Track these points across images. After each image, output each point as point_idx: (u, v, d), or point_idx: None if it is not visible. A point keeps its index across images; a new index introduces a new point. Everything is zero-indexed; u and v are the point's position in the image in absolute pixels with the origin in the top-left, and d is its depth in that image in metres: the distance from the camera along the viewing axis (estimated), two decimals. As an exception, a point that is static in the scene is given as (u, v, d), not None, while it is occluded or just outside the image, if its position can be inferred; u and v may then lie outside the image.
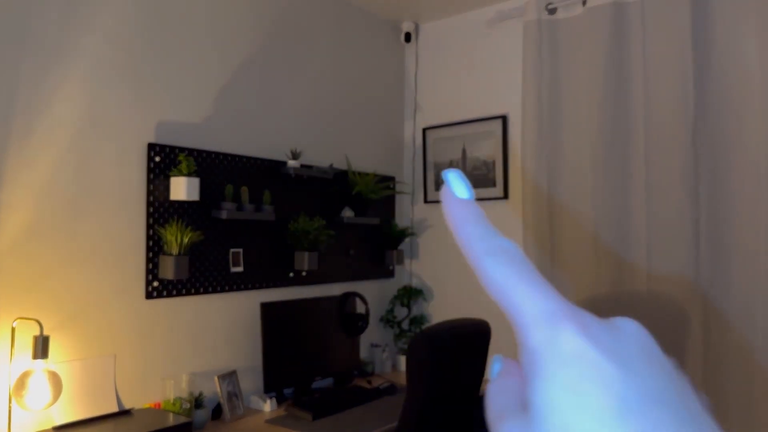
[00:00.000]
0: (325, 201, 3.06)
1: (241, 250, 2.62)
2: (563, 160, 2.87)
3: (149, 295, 2.28)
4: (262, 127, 2.76)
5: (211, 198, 2.50)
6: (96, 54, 2.16)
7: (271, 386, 2.56)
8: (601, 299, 2.74)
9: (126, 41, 2.25)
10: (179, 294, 2.38)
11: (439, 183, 3.43)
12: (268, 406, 2.52)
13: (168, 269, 2.25)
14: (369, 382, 2.99)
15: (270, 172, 2.77)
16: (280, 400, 2.61)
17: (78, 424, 1.97)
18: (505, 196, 3.16)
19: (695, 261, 2.51)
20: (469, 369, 2.30)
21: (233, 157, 2.60)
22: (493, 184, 3.19)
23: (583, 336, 0.24)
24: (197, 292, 2.45)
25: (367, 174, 3.23)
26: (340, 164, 3.16)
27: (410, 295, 3.42)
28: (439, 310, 3.42)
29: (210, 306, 2.51)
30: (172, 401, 2.21)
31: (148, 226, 2.29)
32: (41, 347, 1.82)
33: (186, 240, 2.28)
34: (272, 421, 2.37)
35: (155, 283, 2.30)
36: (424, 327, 3.10)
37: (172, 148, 2.37)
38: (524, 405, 0.24)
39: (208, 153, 2.50)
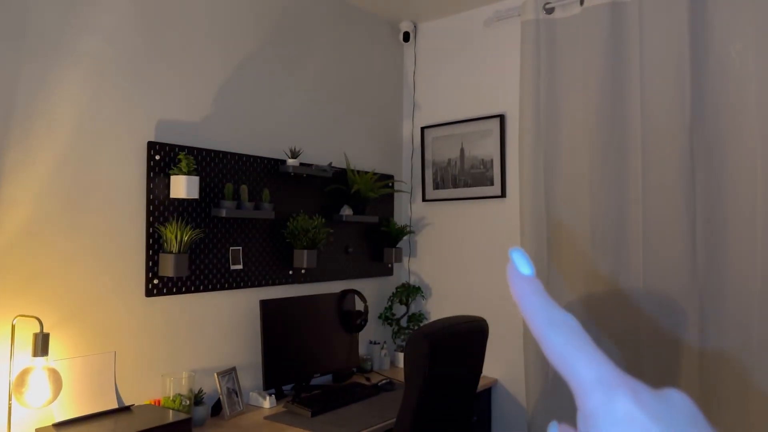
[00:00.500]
0: (324, 199, 3.07)
1: (240, 248, 2.64)
2: (560, 158, 2.89)
3: (149, 293, 2.30)
4: (261, 126, 2.78)
5: (210, 196, 2.52)
6: (96, 53, 2.17)
7: (271, 383, 2.58)
8: (598, 297, 2.76)
9: (126, 40, 2.26)
10: (179, 291, 2.40)
11: (437, 181, 3.44)
12: (267, 403, 2.53)
13: (168, 267, 2.26)
14: (368, 379, 3.00)
15: (269, 171, 2.78)
16: (280, 397, 2.63)
17: (78, 421, 1.98)
18: (503, 194, 3.17)
19: (692, 259, 2.53)
20: (467, 366, 2.32)
21: (233, 155, 2.62)
22: (491, 183, 3.20)
23: (634, 401, 0.27)
24: (197, 290, 2.46)
25: (365, 172, 3.24)
26: (339, 163, 3.18)
27: (408, 292, 3.43)
28: (437, 308, 3.44)
29: (210, 303, 2.53)
30: (171, 398, 2.22)
31: (148, 224, 2.30)
32: (41, 344, 1.83)
33: (186, 238, 2.29)
34: (271, 418, 2.38)
35: (155, 281, 2.32)
36: (422, 324, 3.12)
37: (172, 147, 2.38)
38: None
39: (208, 151, 2.52)
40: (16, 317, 1.88)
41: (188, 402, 2.23)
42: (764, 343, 2.36)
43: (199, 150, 2.48)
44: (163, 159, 2.35)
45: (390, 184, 3.49)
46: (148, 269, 2.29)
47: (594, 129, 2.77)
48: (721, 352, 2.47)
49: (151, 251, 2.30)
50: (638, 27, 2.67)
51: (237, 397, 2.46)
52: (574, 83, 2.85)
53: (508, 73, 3.15)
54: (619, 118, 2.73)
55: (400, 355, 3.33)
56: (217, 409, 2.42)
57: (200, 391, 2.37)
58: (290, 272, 2.88)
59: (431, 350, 2.04)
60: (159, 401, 2.24)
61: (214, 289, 2.52)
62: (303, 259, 2.79)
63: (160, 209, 2.34)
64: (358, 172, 3.21)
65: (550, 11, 2.92)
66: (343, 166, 3.19)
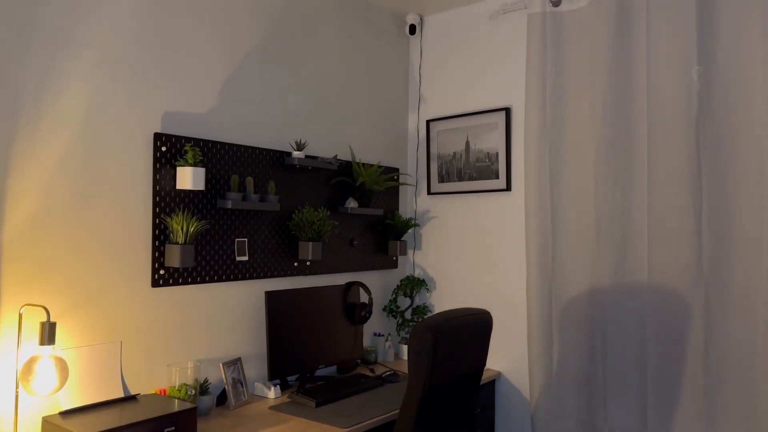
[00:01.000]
0: (329, 192, 3.08)
1: (246, 239, 2.65)
2: (566, 152, 2.88)
3: (155, 283, 2.31)
4: (267, 118, 2.78)
5: (216, 188, 2.53)
6: (103, 44, 2.17)
7: (276, 374, 2.59)
8: (604, 290, 2.76)
9: (133, 31, 2.27)
10: (185, 282, 2.41)
11: (442, 174, 3.44)
12: (272, 393, 2.55)
13: (174, 258, 2.28)
14: (372, 371, 3.02)
15: (275, 163, 2.79)
16: (284, 388, 2.65)
17: (84, 409, 1.99)
18: (508, 188, 3.17)
19: (697, 253, 2.52)
20: (471, 358, 2.32)
21: (238, 147, 2.62)
22: (497, 176, 3.20)
23: None
24: (203, 281, 2.47)
25: (371, 165, 3.24)
26: (345, 155, 3.18)
27: (413, 285, 3.44)
28: (442, 301, 3.45)
29: (215, 294, 2.54)
30: (177, 387, 2.23)
31: (155, 215, 2.31)
32: (48, 333, 1.85)
33: (192, 229, 2.30)
34: (276, 408, 2.40)
35: (161, 272, 2.33)
36: (426, 316, 3.13)
37: (178, 138, 2.39)
38: None
39: (214, 143, 2.52)
40: (23, 306, 1.90)
41: (194, 392, 2.25)
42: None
43: (205, 141, 2.49)
44: (169, 150, 2.35)
45: (395, 177, 3.49)
46: (155, 260, 2.31)
47: (600, 122, 2.76)
48: (726, 346, 2.46)
49: (157, 242, 2.31)
50: (645, 19, 2.65)
51: (242, 387, 2.48)
52: (581, 76, 2.84)
53: (515, 66, 3.14)
54: (625, 111, 2.72)
55: (404, 348, 3.34)
56: (222, 399, 2.44)
57: (206, 381, 2.38)
58: (295, 264, 2.89)
59: (435, 342, 2.05)
60: (164, 391, 2.26)
61: (219, 280, 2.54)
62: (308, 251, 2.80)
63: (166, 200, 2.35)
64: (364, 164, 3.21)
65: (556, 4, 2.91)
66: (349, 158, 3.20)
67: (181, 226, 2.29)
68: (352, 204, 3.13)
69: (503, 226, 3.20)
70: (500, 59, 3.23)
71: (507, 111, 3.17)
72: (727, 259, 2.48)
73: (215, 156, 2.53)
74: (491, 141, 3.23)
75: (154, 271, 2.31)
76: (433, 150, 3.49)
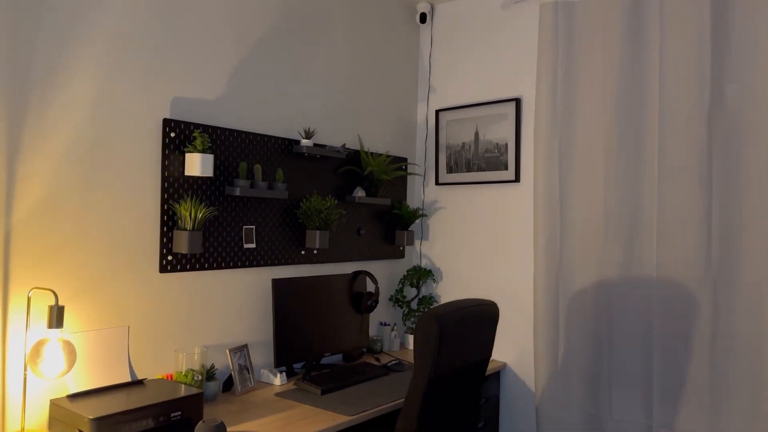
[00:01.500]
0: (337, 180, 3.07)
1: (253, 227, 2.65)
2: (576, 143, 2.86)
3: (163, 269, 2.32)
4: (275, 106, 2.77)
5: (225, 175, 2.53)
6: (113, 29, 2.17)
7: (282, 361, 2.60)
8: (611, 283, 2.75)
9: (143, 17, 2.26)
10: (193, 268, 2.42)
11: (450, 165, 3.43)
12: (278, 380, 2.56)
13: (182, 244, 2.28)
14: (377, 360, 3.02)
15: (283, 151, 2.78)
16: (290, 375, 2.66)
17: (91, 393, 2.01)
18: (517, 179, 3.16)
19: (706, 248, 2.51)
20: (477, 349, 2.32)
21: (247, 134, 2.62)
22: (505, 167, 3.19)
23: None
24: (210, 267, 2.48)
25: (379, 155, 3.23)
26: (353, 144, 3.17)
27: (419, 275, 3.44)
28: (448, 291, 3.45)
29: (223, 281, 2.55)
30: (184, 373, 2.25)
31: (163, 201, 2.31)
32: (56, 317, 1.86)
33: (200, 215, 2.31)
34: (282, 395, 2.41)
35: (169, 257, 2.33)
36: (432, 307, 3.12)
37: (187, 125, 2.38)
38: None
39: (223, 130, 2.52)
40: (31, 289, 1.91)
41: (200, 377, 2.26)
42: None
43: (214, 128, 2.49)
44: (178, 136, 2.35)
45: (403, 167, 3.48)
46: (163, 245, 2.31)
47: (611, 114, 2.74)
48: (732, 340, 2.45)
49: (165, 228, 2.32)
50: (658, 10, 2.62)
51: (248, 373, 2.49)
52: (592, 67, 2.81)
53: (526, 57, 3.11)
54: (636, 103, 2.69)
55: (410, 337, 3.35)
56: (228, 385, 2.45)
57: (212, 366, 2.40)
58: (302, 252, 2.89)
59: (441, 332, 2.05)
60: (171, 376, 2.27)
61: (227, 266, 2.54)
62: (315, 239, 2.80)
63: (174, 186, 2.35)
64: (372, 154, 3.20)
65: (569, -6, 2.88)
66: (357, 147, 3.19)
67: (189, 212, 2.29)
68: (359, 193, 3.13)
69: (511, 217, 3.19)
70: (511, 49, 3.20)
71: (517, 101, 3.15)
72: (735, 255, 2.46)
73: (224, 143, 2.53)
74: (501, 132, 3.21)
75: (162, 256, 2.32)
76: (442, 140, 3.47)
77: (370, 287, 3.17)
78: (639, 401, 2.67)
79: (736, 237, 2.46)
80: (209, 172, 2.34)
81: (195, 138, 2.33)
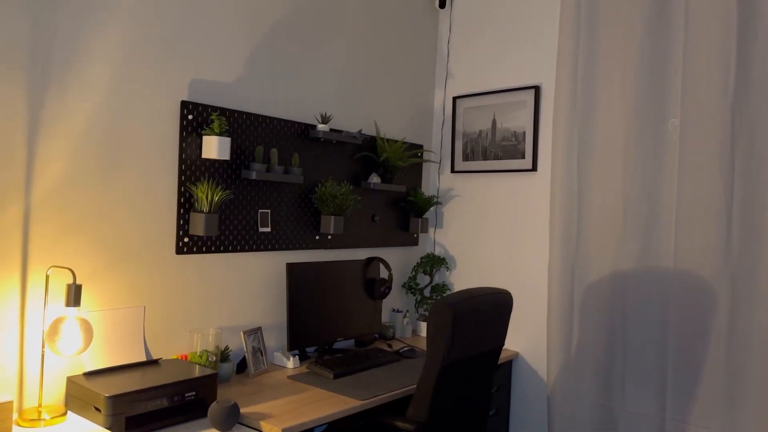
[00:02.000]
0: (352, 166, 3.07)
1: (269, 211, 2.66)
2: (595, 133, 2.83)
3: (179, 251, 2.33)
4: (292, 90, 2.77)
5: (241, 158, 2.53)
6: (131, 10, 2.17)
7: (295, 344, 2.62)
8: (627, 274, 2.72)
9: (162, -3, 2.26)
10: (208, 251, 2.43)
11: (466, 152, 3.41)
12: (291, 363, 2.57)
13: (198, 226, 2.29)
14: (389, 346, 3.03)
15: (299, 135, 2.78)
16: (303, 358, 2.67)
17: (107, 371, 2.03)
18: (534, 168, 3.13)
19: (725, 241, 2.47)
20: (490, 337, 2.32)
21: (264, 118, 2.62)
22: (522, 156, 3.16)
23: None
24: (226, 250, 2.49)
25: (395, 141, 3.22)
26: (369, 130, 3.16)
27: (433, 263, 3.43)
28: (461, 280, 3.44)
29: (238, 264, 2.56)
30: (198, 354, 2.27)
31: (180, 183, 2.32)
32: (74, 295, 1.87)
33: (216, 198, 2.31)
34: (294, 378, 2.43)
35: (185, 239, 2.35)
36: (445, 294, 3.12)
37: (205, 107, 2.39)
38: None
39: (240, 113, 2.52)
40: (50, 268, 1.93)
41: (214, 358, 2.28)
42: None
43: (231, 111, 2.49)
44: (195, 119, 2.36)
45: (419, 154, 3.47)
46: (179, 227, 2.33)
47: (632, 103, 2.70)
48: (750, 335, 2.43)
49: (182, 210, 2.33)
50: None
51: (262, 356, 2.51)
52: (614, 55, 2.77)
53: (546, 44, 3.07)
54: (658, 92, 2.65)
55: (422, 324, 3.35)
56: (242, 366, 2.47)
57: (226, 348, 2.41)
58: (317, 237, 2.90)
59: (455, 319, 2.05)
60: (186, 356, 2.29)
61: (242, 250, 2.55)
62: (330, 224, 2.80)
63: (191, 169, 2.36)
64: (388, 140, 3.19)
65: (592, -20, 2.83)
66: (373, 133, 3.18)
67: (205, 195, 2.30)
68: (375, 179, 3.12)
69: (527, 206, 3.16)
70: (532, 36, 3.16)
71: (536, 89, 3.12)
72: (755, 248, 2.42)
73: (241, 126, 2.53)
74: (519, 120, 3.18)
75: (179, 238, 2.33)
76: (459, 127, 3.45)
77: (384, 274, 3.18)
78: (653, 394, 2.66)
79: (756, 229, 2.42)
80: (226, 155, 2.35)
81: (212, 121, 2.34)
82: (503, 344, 2.43)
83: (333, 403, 2.14)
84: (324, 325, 2.77)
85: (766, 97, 2.40)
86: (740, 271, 2.45)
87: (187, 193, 2.34)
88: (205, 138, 2.34)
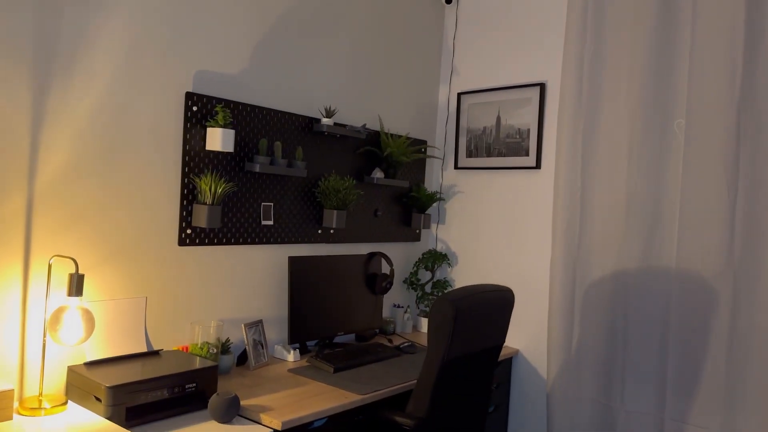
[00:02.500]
0: (356, 161, 3.06)
1: (272, 204, 2.65)
2: (600, 131, 2.82)
3: (182, 242, 2.33)
4: (297, 83, 2.76)
5: (245, 150, 2.53)
6: (138, 1, 2.16)
7: (295, 338, 2.62)
8: (629, 273, 2.72)
9: (168, -12, 2.25)
10: (211, 243, 2.43)
11: (470, 149, 3.40)
12: (291, 357, 2.58)
13: (201, 218, 2.29)
14: (390, 341, 3.03)
15: (303, 129, 2.77)
16: (303, 352, 2.68)
17: (108, 361, 2.04)
18: (538, 165, 3.12)
19: (728, 241, 2.47)
20: (491, 334, 2.32)
21: (268, 111, 2.61)
22: (526, 153, 3.15)
23: None
24: (228, 242, 2.49)
25: (399, 136, 3.22)
26: (373, 125, 3.15)
27: (435, 259, 3.43)
28: (463, 276, 3.44)
29: (240, 256, 2.56)
30: (199, 345, 2.27)
31: (183, 175, 2.32)
32: (76, 285, 1.88)
33: (219, 190, 2.31)
34: (295, 371, 2.43)
35: (188, 231, 2.35)
36: (446, 291, 3.12)
37: (209, 99, 2.38)
38: None
39: (244, 105, 2.52)
40: (52, 257, 1.93)
41: (215, 350, 2.28)
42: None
43: (236, 103, 2.48)
44: (200, 110, 2.35)
45: (423, 150, 3.46)
46: (182, 219, 2.32)
47: (637, 102, 2.69)
48: (750, 337, 2.42)
49: (185, 201, 2.33)
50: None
51: (262, 348, 2.51)
52: (621, 53, 2.76)
53: (552, 40, 3.06)
54: (664, 92, 2.64)
55: (423, 320, 3.35)
56: (242, 359, 2.47)
57: (227, 340, 2.42)
58: (319, 231, 2.90)
59: (456, 316, 2.05)
60: (187, 348, 2.30)
61: (245, 242, 2.55)
62: (333, 219, 2.80)
63: (195, 160, 2.35)
64: (392, 135, 3.18)
65: (599, -22, 2.82)
66: (377, 128, 3.17)
67: (209, 187, 2.30)
68: (378, 174, 3.11)
69: (530, 204, 3.16)
70: (538, 33, 3.15)
71: (542, 86, 3.11)
72: (758, 249, 2.42)
73: (245, 118, 2.52)
74: (523, 117, 3.17)
75: (182, 230, 2.33)
76: (463, 124, 3.44)
77: (385, 269, 3.17)
78: (652, 393, 2.66)
79: (759, 231, 2.41)
80: (230, 148, 2.34)
81: (217, 113, 2.33)
82: (504, 341, 2.43)
83: (333, 397, 2.14)
84: (325, 319, 2.77)
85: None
86: (742, 273, 2.45)
87: (191, 185, 2.34)
88: (209, 130, 2.34)
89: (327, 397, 2.14)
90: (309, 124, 2.79)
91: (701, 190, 2.53)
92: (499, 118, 3.27)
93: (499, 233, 3.29)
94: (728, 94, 2.46)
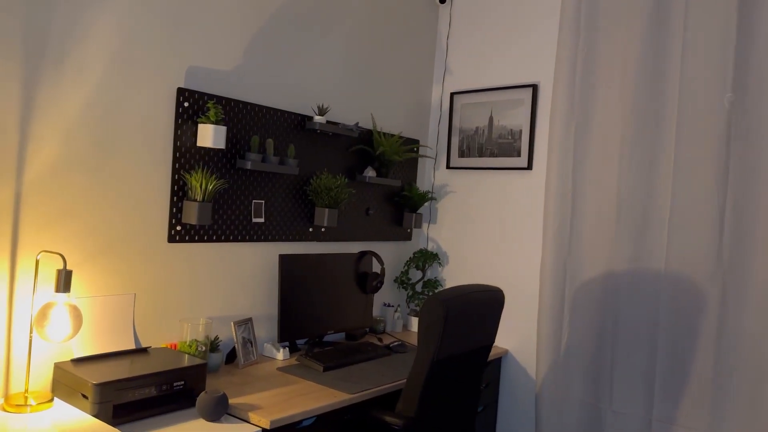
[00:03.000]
0: (348, 159, 3.06)
1: (263, 201, 2.64)
2: (592, 133, 2.83)
3: (172, 239, 2.32)
4: (290, 80, 2.75)
5: (236, 147, 2.51)
6: (130, -6, 2.15)
7: (285, 336, 2.61)
8: (619, 275, 2.73)
9: (161, -17, 2.23)
10: (201, 240, 2.41)
11: (462, 149, 3.40)
12: (281, 355, 2.57)
13: (191, 215, 2.28)
14: (380, 340, 3.03)
15: (295, 126, 2.76)
16: (293, 350, 2.67)
17: (96, 358, 2.02)
18: (529, 166, 3.13)
19: (717, 244, 2.49)
20: (481, 334, 2.32)
21: (260, 107, 2.60)
22: (518, 154, 3.16)
23: None
24: (218, 240, 2.48)
25: (391, 135, 3.21)
26: (366, 123, 3.15)
27: (426, 258, 3.43)
28: (453, 276, 3.44)
29: (230, 254, 2.55)
30: (188, 343, 2.26)
31: (174, 171, 2.30)
32: (64, 281, 1.85)
33: (210, 187, 2.30)
34: (284, 370, 2.42)
35: (178, 227, 2.33)
36: (437, 290, 3.12)
37: (201, 95, 2.37)
38: None
39: (236, 102, 2.50)
40: (40, 252, 1.91)
41: (204, 348, 2.27)
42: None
43: (228, 100, 2.47)
44: (191, 106, 2.34)
45: (415, 149, 3.46)
46: (172, 215, 2.31)
47: (629, 105, 2.70)
48: (738, 339, 2.44)
49: (175, 198, 2.31)
50: (684, 2, 2.57)
51: (252, 347, 2.50)
52: (613, 55, 2.77)
53: (545, 42, 3.06)
54: (656, 94, 2.66)
55: (413, 319, 3.35)
56: (231, 357, 2.46)
57: (216, 338, 2.40)
58: (310, 229, 2.89)
59: (446, 315, 2.04)
60: (175, 345, 2.28)
61: (235, 240, 2.54)
62: (324, 217, 2.79)
63: (186, 156, 2.34)
64: (384, 134, 3.18)
65: (593, -20, 2.82)
66: (370, 126, 3.17)
67: (199, 184, 2.28)
68: (370, 173, 3.11)
69: (521, 205, 3.16)
70: (531, 33, 3.15)
71: (534, 88, 3.11)
72: (747, 253, 2.44)
73: (237, 115, 2.51)
74: (516, 118, 3.18)
75: (171, 226, 2.31)
76: (456, 123, 3.44)
77: (376, 268, 3.17)
78: (640, 394, 2.67)
79: (748, 234, 2.43)
80: (221, 144, 2.33)
81: (208, 109, 2.32)
82: (494, 342, 2.43)
83: (322, 396, 2.14)
84: (315, 317, 2.76)
85: (762, 102, 2.40)
86: (731, 275, 2.46)
87: (181, 181, 2.32)
88: (200, 126, 2.33)
89: (316, 396, 2.13)
90: (301, 121, 2.78)
91: (691, 192, 2.55)
92: (491, 119, 3.27)
93: (490, 233, 3.29)
94: (719, 98, 2.47)
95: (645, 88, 2.67)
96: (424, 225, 3.58)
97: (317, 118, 2.77)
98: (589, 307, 2.81)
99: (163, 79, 2.26)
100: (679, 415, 2.57)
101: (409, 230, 3.50)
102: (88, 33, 2.04)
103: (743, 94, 2.44)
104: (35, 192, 1.94)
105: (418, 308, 3.41)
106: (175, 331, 2.33)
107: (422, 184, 3.57)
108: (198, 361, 2.08)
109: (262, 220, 2.64)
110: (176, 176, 2.31)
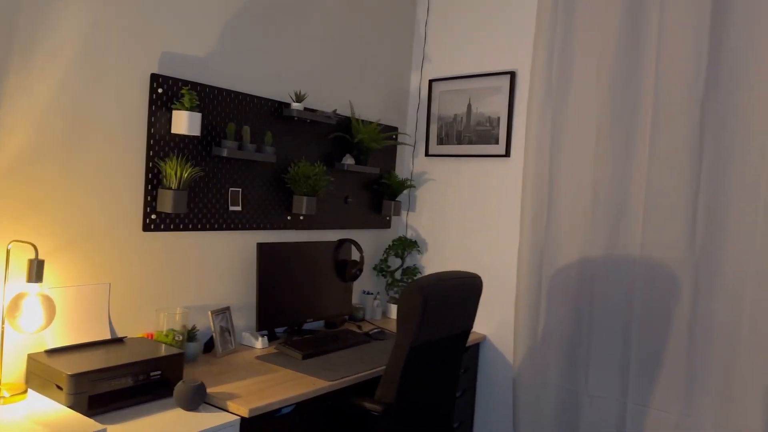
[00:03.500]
0: (326, 147, 3.04)
1: (240, 189, 2.62)
2: (569, 121, 2.84)
3: (146, 228, 2.29)
4: (267, 67, 2.72)
5: (212, 135, 2.48)
6: (101, -23, 2.10)
7: (264, 324, 2.60)
8: (595, 261, 2.76)
9: (132, -34, 2.19)
10: (176, 228, 2.38)
11: (441, 136, 3.40)
12: (259, 344, 2.56)
13: (166, 203, 2.25)
14: (359, 327, 3.03)
15: (273, 113, 2.74)
16: (272, 339, 2.66)
17: (70, 349, 2.00)
18: (507, 154, 3.14)
19: (691, 231, 2.52)
20: (459, 320, 2.34)
21: (236, 94, 2.57)
22: (496, 141, 3.17)
23: None
24: (195, 228, 2.45)
25: (370, 122, 3.20)
26: (344, 110, 3.13)
27: (405, 246, 3.44)
28: (432, 263, 3.45)
29: (207, 242, 2.52)
30: (165, 333, 2.23)
31: (148, 159, 2.27)
32: (36, 271, 1.82)
33: (185, 175, 2.27)
34: (263, 358, 2.41)
35: (153, 216, 2.30)
36: (416, 277, 3.13)
37: (176, 81, 2.33)
38: None
39: (212, 88, 2.47)
40: (11, 242, 1.87)
41: (181, 338, 2.25)
42: (754, 319, 2.38)
43: (203, 86, 2.43)
44: (165, 93, 2.30)
45: (394, 136, 3.45)
46: (146, 204, 2.28)
47: (606, 93, 2.72)
48: (710, 324, 2.49)
49: (150, 186, 2.28)
50: (660, -10, 2.59)
51: (230, 336, 2.49)
52: (590, 44, 2.78)
53: (523, 29, 3.07)
54: (632, 84, 2.68)
55: (392, 307, 3.36)
56: (209, 346, 2.44)
57: (193, 327, 2.38)
58: (288, 217, 2.87)
59: (425, 302, 2.05)
60: (152, 335, 2.26)
61: (212, 228, 2.52)
62: (302, 205, 2.77)
63: (160, 144, 2.30)
64: (363, 121, 3.16)
65: (570, -33, 2.83)
66: (348, 114, 3.15)
67: (174, 171, 2.25)
68: (348, 161, 3.09)
69: (499, 192, 3.18)
70: (509, 21, 3.16)
71: (512, 75, 3.12)
72: (719, 239, 2.48)
73: (212, 102, 2.48)
74: (494, 105, 3.18)
75: (146, 215, 2.28)
76: (434, 111, 3.44)
77: (355, 256, 3.17)
78: (615, 378, 2.71)
79: (720, 222, 2.47)
80: (196, 131, 2.30)
81: (183, 95, 2.28)
82: (472, 327, 2.45)
83: (301, 384, 2.14)
84: (294, 305, 2.76)
85: (734, 93, 2.44)
86: (703, 262, 2.51)
87: (156, 169, 2.29)
88: (174, 113, 2.29)
89: (295, 384, 2.13)
90: (279, 108, 2.76)
91: (665, 181, 2.58)
92: (470, 106, 3.28)
93: (468, 220, 3.30)
94: (693, 88, 2.51)
95: (621, 77, 2.69)
96: (403, 213, 3.58)
97: (294, 105, 2.75)
98: (566, 293, 2.84)
99: (136, 65, 2.22)
100: (654, 398, 2.62)
101: (388, 218, 3.50)
102: (58, 18, 1.99)
103: (716, 85, 2.47)
104: (6, 180, 1.90)
105: (397, 296, 3.42)
106: (152, 321, 2.31)
107: (401, 171, 3.57)
108: (175, 350, 2.07)
109: (239, 208, 2.62)
110: (150, 164, 2.28)
